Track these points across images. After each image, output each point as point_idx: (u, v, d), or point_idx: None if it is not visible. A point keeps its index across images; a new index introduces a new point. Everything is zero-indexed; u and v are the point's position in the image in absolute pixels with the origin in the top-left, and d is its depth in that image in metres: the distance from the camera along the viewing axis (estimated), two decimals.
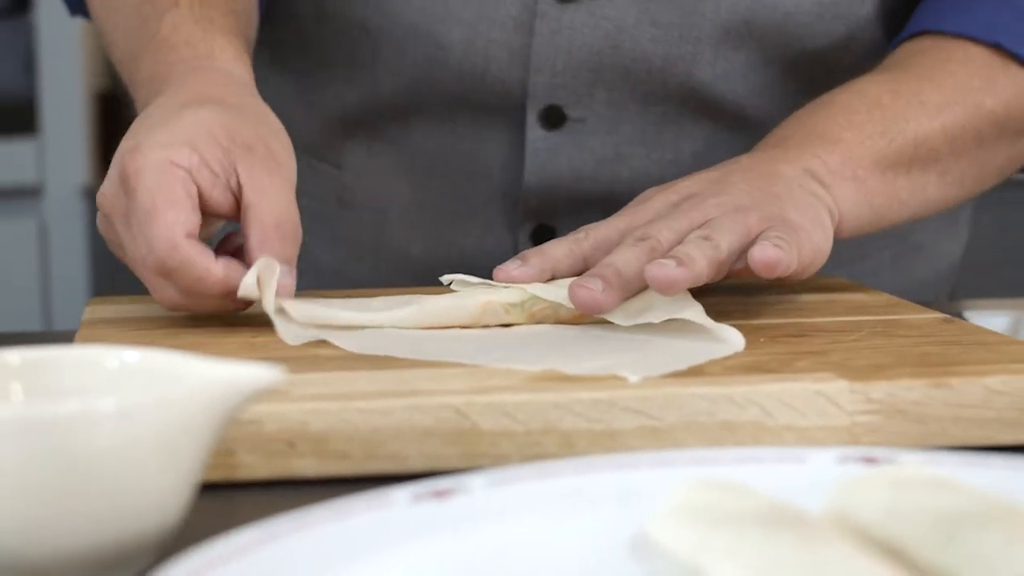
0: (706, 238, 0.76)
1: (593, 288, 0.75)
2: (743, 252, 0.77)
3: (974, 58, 0.92)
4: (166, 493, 0.50)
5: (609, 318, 0.75)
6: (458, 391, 0.64)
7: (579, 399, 0.63)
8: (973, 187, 0.94)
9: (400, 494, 0.50)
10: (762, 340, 0.74)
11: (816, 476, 0.52)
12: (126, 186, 0.77)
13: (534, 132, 0.98)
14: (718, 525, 0.45)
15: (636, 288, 0.76)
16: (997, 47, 0.92)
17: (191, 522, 0.55)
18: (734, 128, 0.99)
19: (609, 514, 0.50)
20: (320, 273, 1.07)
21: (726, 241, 0.76)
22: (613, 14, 0.94)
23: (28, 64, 2.44)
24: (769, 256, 0.74)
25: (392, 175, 1.03)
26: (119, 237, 0.79)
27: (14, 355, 0.54)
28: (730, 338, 0.73)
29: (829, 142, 0.86)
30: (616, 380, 0.65)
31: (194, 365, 0.53)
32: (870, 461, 0.53)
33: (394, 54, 0.98)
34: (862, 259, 1.05)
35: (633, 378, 0.65)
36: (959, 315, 1.00)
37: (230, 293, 0.76)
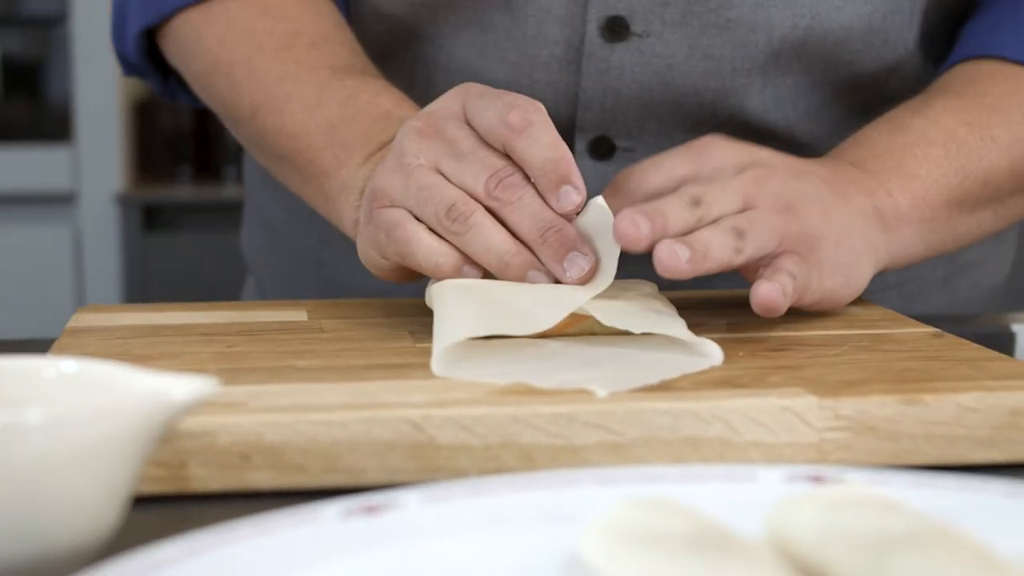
0: (738, 235, 0.74)
1: (641, 223, 0.73)
2: (763, 257, 0.76)
3: None
4: (96, 505, 0.50)
5: (590, 310, 0.73)
6: (417, 404, 0.63)
7: (538, 413, 0.62)
8: (1021, 217, 0.94)
9: (330, 510, 0.49)
10: (741, 354, 0.73)
11: (763, 495, 0.51)
12: (432, 131, 0.76)
13: (583, 162, 0.97)
14: (641, 546, 0.44)
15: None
16: None
17: (139, 534, 0.55)
18: (783, 152, 0.98)
19: (544, 532, 0.49)
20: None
21: (753, 247, 0.74)
22: (664, 51, 0.93)
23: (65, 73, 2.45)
24: (765, 299, 0.74)
25: None
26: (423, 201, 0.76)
27: None
28: (710, 352, 0.72)
29: (904, 177, 0.84)
30: (581, 394, 0.64)
31: (129, 376, 0.52)
32: (818, 480, 0.51)
33: (445, 88, 0.97)
34: (913, 279, 1.04)
35: (600, 392, 0.64)
36: (1007, 330, 0.99)
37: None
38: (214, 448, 0.61)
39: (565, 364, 0.70)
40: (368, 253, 0.80)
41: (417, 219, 0.76)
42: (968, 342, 0.77)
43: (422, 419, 0.62)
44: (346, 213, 0.84)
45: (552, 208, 0.74)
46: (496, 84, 0.95)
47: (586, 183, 0.97)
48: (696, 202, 0.75)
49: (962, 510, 0.49)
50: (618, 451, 0.63)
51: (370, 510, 0.49)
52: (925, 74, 0.99)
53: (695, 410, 0.63)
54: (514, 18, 0.93)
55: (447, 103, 0.78)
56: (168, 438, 0.61)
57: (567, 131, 0.97)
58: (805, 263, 0.76)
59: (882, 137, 0.87)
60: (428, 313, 0.84)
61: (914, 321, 0.82)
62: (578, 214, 0.76)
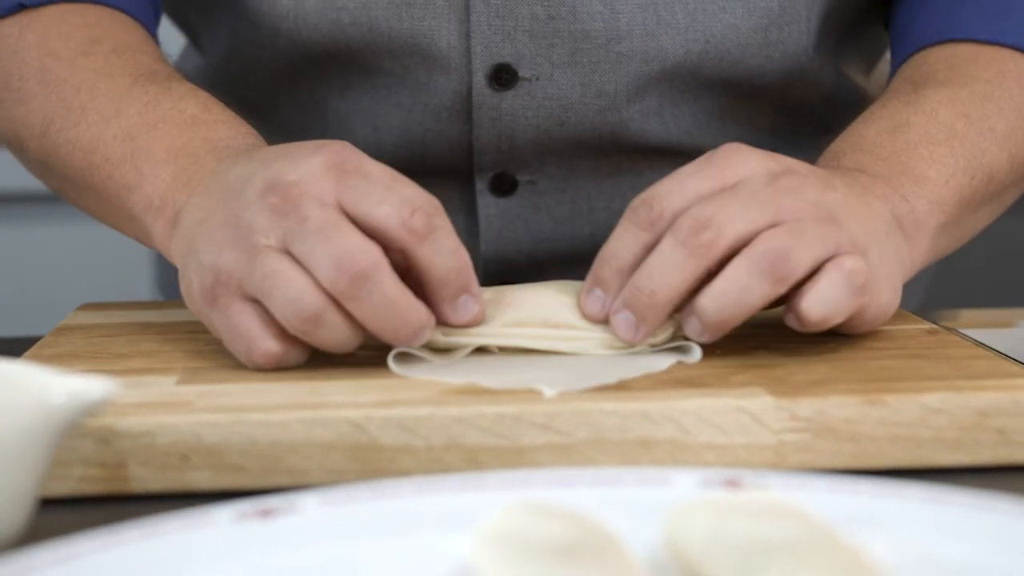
0: (770, 266, 0.66)
1: (623, 334, 0.69)
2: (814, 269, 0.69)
3: (1022, 72, 0.86)
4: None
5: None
6: (362, 404, 0.62)
7: (483, 413, 0.61)
8: (1007, 207, 0.90)
9: (223, 513, 0.48)
10: (717, 352, 0.71)
11: (676, 500, 0.49)
12: (289, 208, 0.66)
13: (485, 200, 0.95)
14: (516, 553, 0.43)
15: (674, 307, 0.69)
16: None
17: (75, 534, 0.54)
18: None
19: (440, 537, 0.47)
20: None
21: (803, 261, 0.67)
22: (555, 92, 0.90)
23: None
24: (816, 314, 0.67)
25: None
26: (237, 303, 0.67)
27: None
28: (691, 349, 0.70)
29: (915, 180, 0.79)
30: (530, 395, 0.63)
31: (32, 376, 0.51)
32: (733, 484, 0.50)
33: (340, 132, 0.95)
34: None
35: (548, 392, 0.63)
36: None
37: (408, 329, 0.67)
38: (153, 448, 0.60)
39: (525, 364, 0.69)
40: (199, 310, 0.70)
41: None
42: (961, 338, 0.74)
43: (364, 419, 0.61)
44: (158, 236, 0.76)
45: (448, 317, 0.69)
46: (390, 130, 0.93)
47: (491, 221, 0.96)
48: (696, 229, 0.68)
49: (878, 516, 0.47)
50: (566, 453, 0.61)
51: (265, 513, 0.48)
52: (826, 73, 0.96)
53: (645, 411, 0.61)
54: (403, 65, 0.90)
55: (313, 179, 0.67)
56: (107, 438, 0.60)
57: (465, 174, 0.94)
58: (865, 269, 0.69)
59: (882, 138, 0.82)
60: None
61: (915, 317, 0.80)
62: None
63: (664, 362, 0.68)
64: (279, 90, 0.97)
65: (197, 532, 0.47)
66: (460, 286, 0.68)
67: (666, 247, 0.68)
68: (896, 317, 0.79)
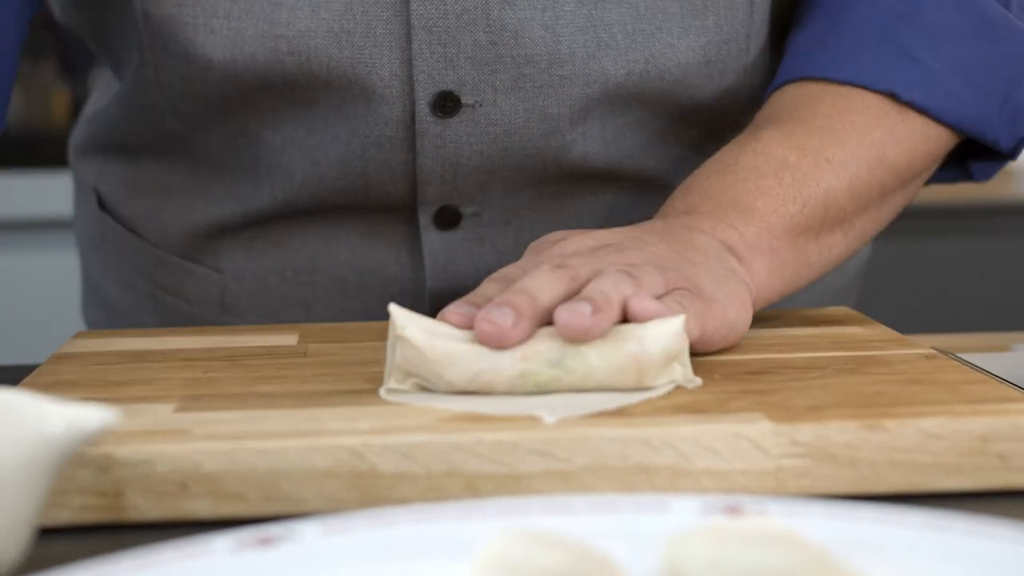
0: (627, 273, 0.72)
1: (499, 322, 0.68)
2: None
3: (871, 107, 0.88)
4: None
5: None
6: (360, 431, 0.62)
7: (482, 440, 0.61)
8: (872, 236, 0.91)
9: (222, 542, 0.48)
10: (716, 377, 0.71)
11: (676, 527, 0.49)
12: None
13: (429, 235, 0.95)
14: None
15: (547, 318, 0.70)
16: (889, 95, 0.88)
17: (73, 562, 0.54)
18: (634, 191, 0.97)
19: (439, 566, 0.47)
20: None
21: (647, 281, 0.72)
22: (499, 118, 0.90)
23: None
24: (649, 312, 0.70)
25: (278, 277, 0.99)
26: None
27: None
28: (686, 379, 0.70)
29: (742, 211, 0.82)
30: (529, 421, 0.63)
31: (30, 405, 0.51)
32: (734, 511, 0.50)
33: (274, 165, 0.94)
34: None
35: (549, 418, 0.63)
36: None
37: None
38: (152, 477, 0.60)
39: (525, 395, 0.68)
40: None
41: None
42: (958, 363, 0.74)
43: (362, 447, 0.61)
44: None
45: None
46: (329, 164, 0.92)
47: (436, 256, 0.95)
48: (560, 265, 0.72)
49: (878, 542, 0.47)
50: (565, 479, 0.61)
51: (264, 542, 0.48)
52: (763, 90, 0.97)
53: (644, 437, 0.61)
54: (341, 96, 0.90)
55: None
56: (105, 466, 0.60)
57: (408, 208, 0.94)
58: (698, 298, 0.73)
59: (710, 180, 0.84)
60: None
61: (910, 341, 0.80)
62: None
63: (664, 388, 0.68)
64: (209, 122, 0.95)
65: (195, 561, 0.47)
66: None
67: (537, 271, 0.72)
68: (896, 343, 0.79)
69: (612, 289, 0.69)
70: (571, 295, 0.70)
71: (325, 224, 0.97)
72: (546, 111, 0.90)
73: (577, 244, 0.77)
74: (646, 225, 0.82)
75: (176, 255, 1.02)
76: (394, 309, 0.69)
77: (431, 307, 0.96)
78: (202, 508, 0.61)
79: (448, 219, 0.95)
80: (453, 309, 0.71)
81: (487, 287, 0.73)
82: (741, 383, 0.70)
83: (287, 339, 0.85)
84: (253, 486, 0.61)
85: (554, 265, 0.72)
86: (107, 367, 0.78)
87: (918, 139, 0.89)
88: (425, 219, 0.94)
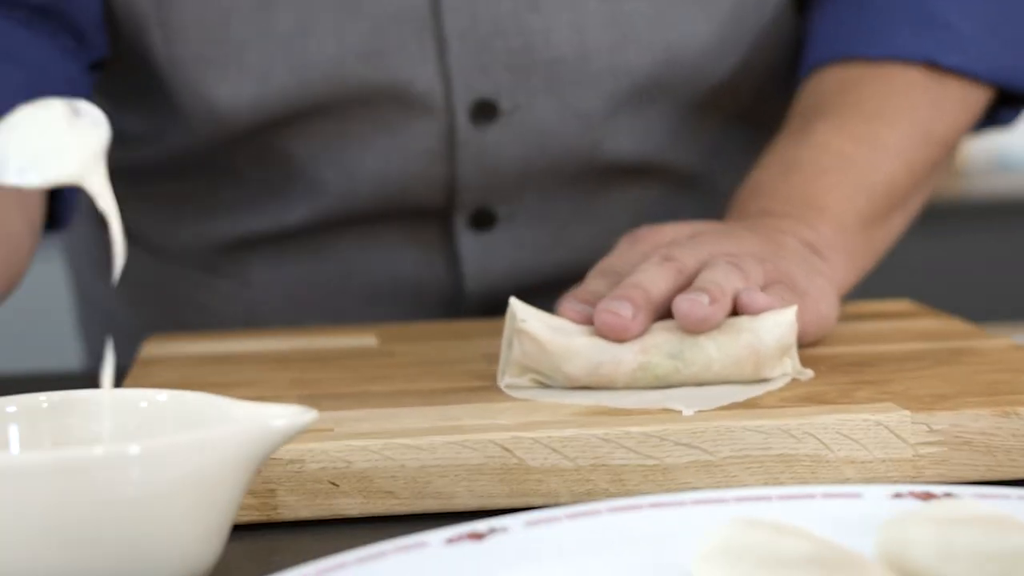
0: (735, 266, 0.72)
1: (621, 313, 0.69)
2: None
3: (914, 84, 0.90)
4: (197, 538, 0.49)
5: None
6: (504, 427, 0.62)
7: (629, 433, 0.61)
8: (921, 206, 0.93)
9: (434, 537, 0.48)
10: (823, 369, 0.72)
11: (870, 513, 0.50)
12: None
13: (466, 237, 0.95)
14: (760, 567, 0.43)
15: (664, 312, 0.70)
16: (929, 63, 0.90)
17: (229, 565, 0.54)
18: (665, 186, 0.98)
19: (650, 554, 0.48)
20: None
21: (753, 273, 0.72)
22: (535, 119, 0.91)
23: None
24: (761, 305, 0.70)
25: (308, 286, 0.98)
26: None
27: (43, 398, 0.53)
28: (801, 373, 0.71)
29: (816, 210, 0.83)
30: (667, 414, 0.63)
31: (225, 406, 0.51)
32: (926, 497, 0.51)
33: (306, 181, 0.93)
34: None
35: (687, 411, 0.64)
36: None
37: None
38: (303, 475, 0.60)
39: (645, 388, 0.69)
40: None
41: None
42: None
43: (511, 442, 0.61)
44: None
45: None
46: (364, 176, 0.91)
47: (473, 258, 0.94)
48: (667, 258, 0.73)
49: None
50: (710, 470, 0.62)
51: (475, 536, 0.48)
52: (769, 67, 0.98)
53: (786, 427, 0.62)
54: (376, 113, 0.89)
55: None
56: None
57: (443, 211, 0.94)
58: (794, 291, 0.74)
59: (776, 180, 0.86)
60: (498, 336, 0.84)
61: (990, 334, 0.81)
62: None
63: (780, 380, 0.69)
64: (232, 143, 0.93)
65: (412, 554, 0.47)
66: None
67: (647, 266, 0.73)
68: (976, 334, 0.81)
69: (724, 280, 0.70)
70: (681, 288, 0.71)
71: (357, 232, 0.96)
72: (578, 109, 0.91)
73: (673, 232, 0.78)
74: (730, 222, 0.83)
75: (197, 269, 1.00)
76: (515, 303, 0.69)
77: (469, 307, 0.97)
78: (352, 505, 0.61)
79: (483, 221, 0.95)
80: (568, 306, 0.71)
81: (594, 283, 0.74)
82: (851, 375, 0.71)
83: (365, 340, 0.85)
84: (403, 482, 0.61)
85: (661, 258, 0.73)
86: (198, 370, 0.78)
87: (959, 108, 0.91)
88: (461, 221, 0.94)
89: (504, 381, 0.69)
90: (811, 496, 0.51)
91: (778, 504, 0.51)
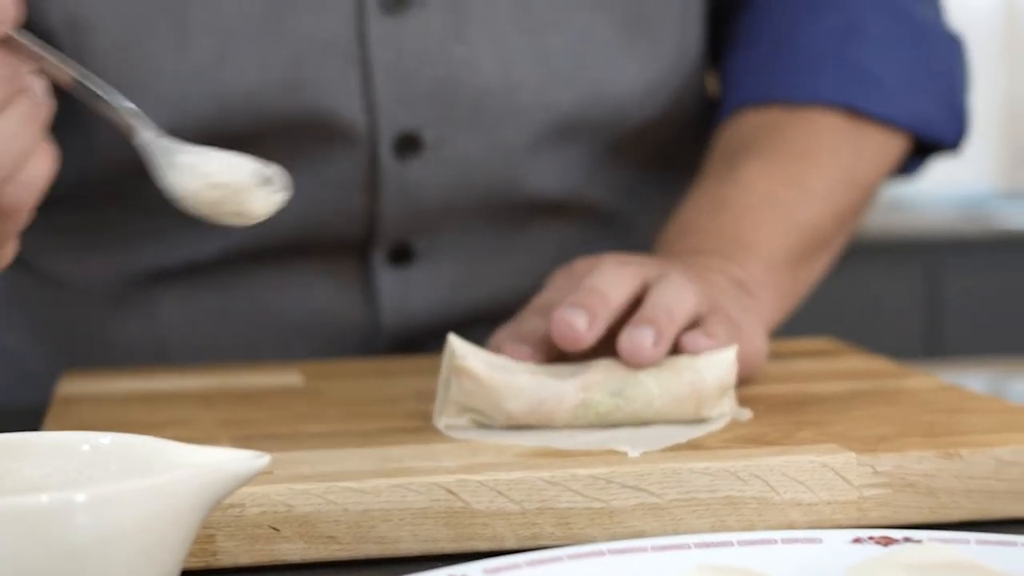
0: (689, 282, 0.72)
1: (576, 325, 0.69)
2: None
3: (836, 128, 0.91)
4: None
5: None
6: (449, 470, 0.61)
7: (575, 475, 0.61)
8: (841, 249, 0.94)
9: None
10: (759, 408, 0.72)
11: (831, 558, 0.49)
12: None
13: (384, 272, 0.94)
14: None
15: (620, 316, 0.71)
16: (850, 109, 0.91)
17: None
18: (583, 224, 0.98)
19: None
20: None
21: (698, 298, 0.73)
22: (459, 153, 0.90)
23: None
24: (702, 346, 0.71)
25: (220, 321, 0.95)
26: None
27: None
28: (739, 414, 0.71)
29: (744, 247, 0.84)
30: (613, 455, 0.63)
31: (171, 451, 0.50)
32: (886, 542, 0.50)
33: None
34: None
35: (633, 452, 0.63)
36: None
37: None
38: (242, 519, 0.59)
39: (585, 428, 0.68)
40: None
41: None
42: (976, 393, 0.76)
43: (456, 485, 0.60)
44: None
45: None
46: (281, 212, 0.87)
47: (390, 294, 0.92)
48: (624, 263, 0.74)
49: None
50: (657, 514, 0.61)
51: None
52: (696, 111, 0.99)
53: (733, 469, 0.62)
54: (295, 145, 0.88)
55: None
56: None
57: (361, 247, 0.93)
58: (730, 324, 0.74)
59: (704, 218, 0.86)
60: (428, 374, 0.82)
61: (915, 372, 0.81)
62: None
63: (720, 420, 0.69)
64: (147, 173, 0.91)
65: None
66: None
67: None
68: (903, 374, 0.81)
69: (675, 303, 0.70)
70: (639, 293, 0.72)
71: (272, 266, 0.94)
72: (503, 143, 0.90)
73: (612, 265, 0.75)
74: (660, 258, 0.82)
75: (104, 305, 0.98)
76: (453, 339, 0.68)
77: (387, 343, 0.95)
78: (294, 551, 0.59)
79: (402, 256, 0.94)
80: (509, 346, 0.71)
81: (531, 320, 0.73)
82: (790, 415, 0.70)
83: (289, 378, 0.84)
84: (346, 527, 0.59)
85: (618, 262, 0.72)
86: (123, 409, 0.76)
87: (880, 153, 0.93)
88: (379, 257, 0.93)
89: (442, 422, 0.68)
90: (772, 541, 0.51)
91: (740, 550, 0.50)
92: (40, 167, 0.59)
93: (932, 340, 2.57)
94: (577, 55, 0.90)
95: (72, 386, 0.82)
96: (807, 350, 0.89)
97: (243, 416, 0.73)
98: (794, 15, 0.94)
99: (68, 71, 0.61)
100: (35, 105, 0.59)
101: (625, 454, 0.63)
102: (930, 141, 0.96)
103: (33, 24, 0.85)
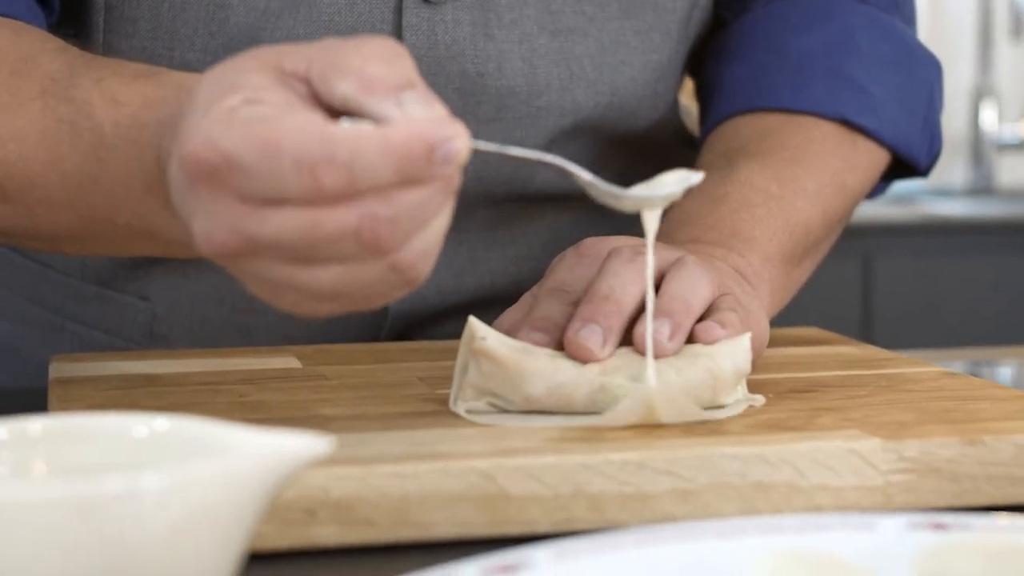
0: (703, 270, 0.73)
1: (590, 344, 0.68)
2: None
3: (828, 136, 0.93)
4: (212, 570, 0.47)
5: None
6: (482, 454, 0.61)
7: (608, 460, 0.61)
8: (823, 256, 0.95)
9: (468, 569, 0.47)
10: (769, 395, 0.72)
11: (889, 543, 0.50)
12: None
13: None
14: None
15: (635, 316, 0.71)
16: (842, 121, 0.93)
17: None
18: (580, 210, 0.98)
19: None
20: None
21: (699, 304, 0.72)
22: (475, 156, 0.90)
23: None
24: (717, 336, 0.71)
25: (215, 303, 0.94)
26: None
27: (35, 423, 0.50)
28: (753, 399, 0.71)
29: (744, 240, 0.85)
30: (645, 440, 0.63)
31: (231, 435, 0.49)
32: (940, 527, 0.51)
33: None
34: None
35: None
36: None
37: None
38: (278, 504, 0.58)
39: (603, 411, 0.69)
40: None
41: None
42: (980, 380, 0.77)
43: (492, 469, 0.60)
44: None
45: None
46: None
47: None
48: (639, 252, 0.73)
49: None
50: (688, 498, 0.61)
51: (506, 569, 0.47)
52: (679, 118, 1.02)
53: (763, 455, 0.62)
54: None
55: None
56: None
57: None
58: (739, 305, 0.75)
59: (705, 209, 0.87)
60: (427, 358, 0.82)
61: (916, 360, 0.83)
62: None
63: (736, 406, 0.70)
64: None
65: None
66: None
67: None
68: (902, 361, 0.82)
69: (691, 293, 0.71)
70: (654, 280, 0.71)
71: None
72: (522, 141, 0.91)
73: (620, 244, 0.76)
74: (665, 245, 0.82)
75: (95, 284, 0.97)
76: (473, 321, 0.68)
77: (390, 329, 0.95)
78: (329, 535, 0.59)
79: None
80: (526, 335, 0.70)
81: (546, 305, 0.73)
82: (804, 402, 0.71)
83: (287, 361, 0.83)
84: (383, 512, 0.59)
85: (633, 252, 0.72)
86: (126, 392, 0.75)
87: (868, 164, 0.95)
88: None
89: (464, 406, 0.68)
90: (826, 527, 0.51)
91: (796, 535, 0.50)
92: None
93: (866, 325, 2.60)
94: (599, 61, 0.92)
95: (65, 369, 0.81)
96: (796, 338, 0.90)
97: (254, 400, 0.73)
98: (787, 29, 0.96)
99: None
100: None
101: (657, 436, 0.63)
102: (906, 162, 0.97)
103: None
